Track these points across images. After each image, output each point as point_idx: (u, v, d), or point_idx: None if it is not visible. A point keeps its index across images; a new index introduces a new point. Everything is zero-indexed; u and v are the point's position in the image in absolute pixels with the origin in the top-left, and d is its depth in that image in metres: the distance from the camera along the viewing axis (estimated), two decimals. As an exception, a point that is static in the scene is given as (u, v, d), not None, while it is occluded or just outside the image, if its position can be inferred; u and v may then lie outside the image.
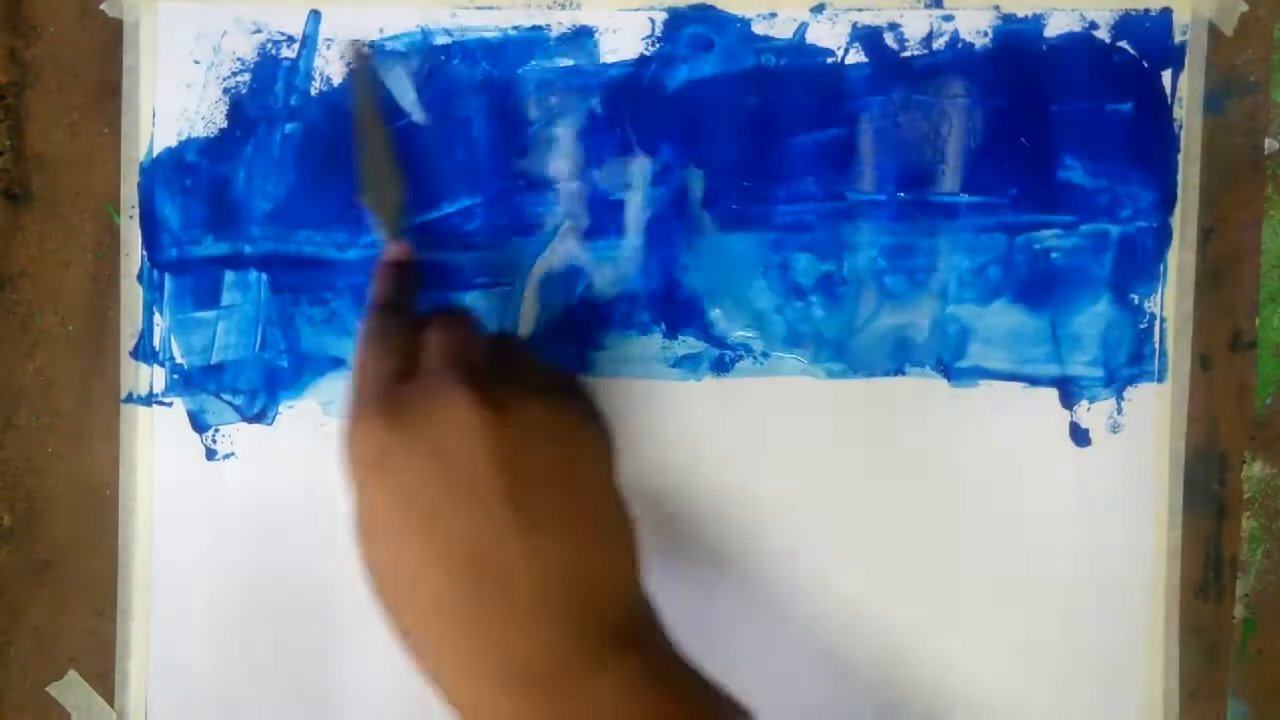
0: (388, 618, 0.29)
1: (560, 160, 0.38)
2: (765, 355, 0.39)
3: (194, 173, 0.38)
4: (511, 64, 0.38)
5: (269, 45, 0.38)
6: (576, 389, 0.32)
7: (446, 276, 0.38)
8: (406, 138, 0.38)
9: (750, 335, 0.39)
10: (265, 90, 0.38)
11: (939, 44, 0.38)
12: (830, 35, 0.38)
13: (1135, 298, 0.39)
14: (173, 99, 0.38)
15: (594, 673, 0.28)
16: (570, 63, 0.38)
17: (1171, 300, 0.39)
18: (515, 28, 0.38)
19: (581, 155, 0.38)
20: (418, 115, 0.38)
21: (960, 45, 0.38)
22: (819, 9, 0.38)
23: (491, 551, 0.28)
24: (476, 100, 0.38)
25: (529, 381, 0.30)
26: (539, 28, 0.38)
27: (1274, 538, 0.40)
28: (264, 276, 0.38)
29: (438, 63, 0.38)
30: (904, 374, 0.39)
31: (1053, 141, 0.38)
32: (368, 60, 0.33)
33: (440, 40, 0.38)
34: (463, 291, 0.38)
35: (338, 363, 0.38)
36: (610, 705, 0.28)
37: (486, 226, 0.38)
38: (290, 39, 0.38)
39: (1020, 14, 0.38)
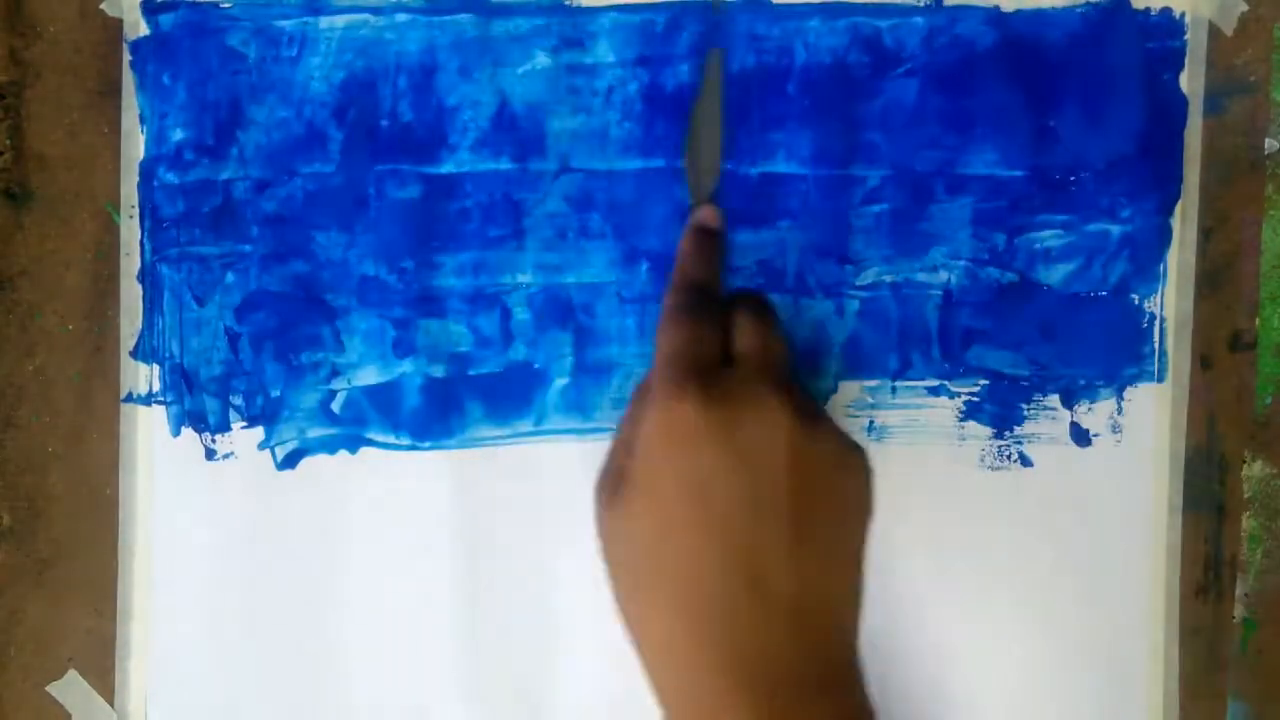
0: (619, 588, 0.30)
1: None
2: (765, 355, 0.39)
3: (194, 172, 0.38)
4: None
5: (269, 44, 0.38)
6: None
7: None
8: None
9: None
10: (266, 89, 0.38)
11: (939, 44, 0.38)
12: (830, 35, 0.38)
13: (1135, 298, 0.39)
14: (173, 98, 0.38)
15: (821, 696, 0.28)
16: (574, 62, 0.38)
17: (1171, 300, 0.39)
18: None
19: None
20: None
21: (960, 45, 0.38)
22: (820, 9, 0.38)
23: (766, 560, 0.28)
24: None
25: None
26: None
27: (1274, 538, 0.40)
28: (264, 276, 0.38)
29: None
30: (904, 376, 0.39)
31: (1053, 141, 0.39)
32: (719, 57, 0.37)
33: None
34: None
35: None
36: None
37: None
38: (290, 38, 0.38)
39: (1020, 14, 0.38)
